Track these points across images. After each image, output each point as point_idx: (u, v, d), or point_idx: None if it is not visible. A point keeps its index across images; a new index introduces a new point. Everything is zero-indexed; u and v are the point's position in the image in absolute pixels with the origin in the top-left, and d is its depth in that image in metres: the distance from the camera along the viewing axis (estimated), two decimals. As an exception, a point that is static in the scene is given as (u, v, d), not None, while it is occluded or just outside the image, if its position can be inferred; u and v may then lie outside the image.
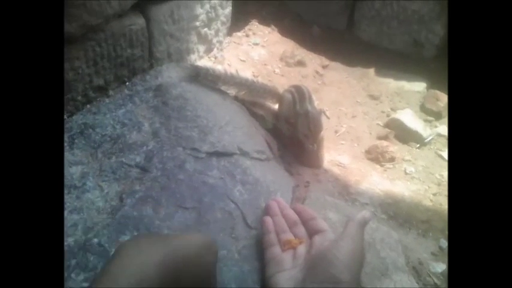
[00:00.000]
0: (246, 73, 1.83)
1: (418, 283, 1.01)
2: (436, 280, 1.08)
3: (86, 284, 0.82)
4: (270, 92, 1.58)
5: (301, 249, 0.90)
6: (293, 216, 0.99)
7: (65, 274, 0.83)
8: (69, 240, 0.89)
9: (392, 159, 1.63)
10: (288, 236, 0.95)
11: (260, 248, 0.96)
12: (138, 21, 1.40)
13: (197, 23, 1.72)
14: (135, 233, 0.93)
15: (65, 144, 1.12)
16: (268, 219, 0.99)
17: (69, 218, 0.93)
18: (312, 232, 0.93)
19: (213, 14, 1.81)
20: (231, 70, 1.53)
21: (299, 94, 1.47)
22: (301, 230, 0.95)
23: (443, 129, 1.82)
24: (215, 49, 1.93)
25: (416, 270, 1.07)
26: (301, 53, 2.17)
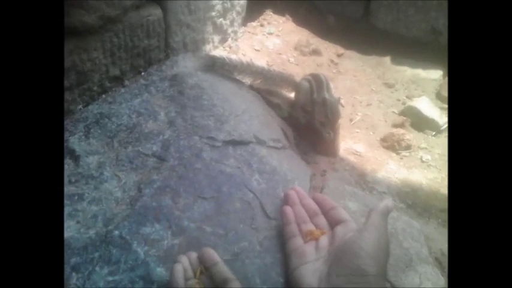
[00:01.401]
0: (261, 62, 1.81)
1: (442, 275, 0.99)
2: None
3: (111, 278, 0.81)
4: (286, 80, 1.56)
5: (324, 240, 0.88)
6: (313, 206, 0.98)
7: (89, 267, 0.82)
8: (90, 233, 0.88)
9: (408, 147, 1.61)
10: (309, 226, 0.93)
11: (281, 239, 0.95)
12: (155, 12, 1.39)
13: (213, 13, 1.71)
14: (156, 224, 0.92)
15: (81, 133, 1.12)
16: (288, 209, 0.97)
17: (89, 209, 0.93)
18: (333, 222, 0.92)
19: (229, 4, 1.80)
20: (247, 59, 1.51)
21: (317, 82, 1.45)
22: (322, 221, 0.94)
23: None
24: (230, 39, 1.92)
25: (440, 262, 1.05)
26: (316, 42, 2.15)
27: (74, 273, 0.81)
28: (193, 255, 0.83)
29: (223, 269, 0.80)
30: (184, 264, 0.81)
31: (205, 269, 0.81)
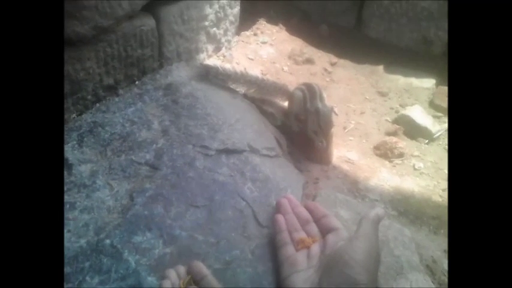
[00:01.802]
0: (255, 71, 1.82)
1: (433, 282, 0.99)
2: (451, 279, 1.07)
3: (101, 287, 0.81)
4: (280, 90, 1.57)
5: (315, 248, 0.88)
6: (305, 214, 0.98)
7: (80, 277, 0.82)
8: (81, 242, 0.88)
9: (401, 155, 1.63)
10: (301, 234, 0.93)
11: (273, 248, 0.95)
12: (149, 22, 1.40)
13: (206, 23, 1.72)
14: (147, 233, 0.92)
15: (74, 142, 1.12)
16: (280, 218, 0.98)
17: (80, 217, 0.93)
18: (324, 230, 0.92)
19: (222, 14, 1.81)
20: (241, 68, 1.52)
21: (310, 92, 1.46)
22: (313, 228, 0.94)
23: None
24: (224, 48, 1.93)
25: (431, 269, 1.05)
26: (310, 51, 2.16)
27: (64, 283, 0.81)
28: (181, 268, 0.83)
29: (213, 283, 0.80)
30: (172, 280, 0.80)
31: (194, 282, 0.80)
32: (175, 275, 0.82)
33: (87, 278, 0.82)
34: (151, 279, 0.84)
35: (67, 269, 0.83)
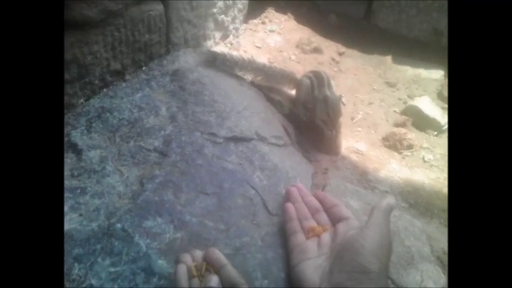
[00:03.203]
0: (262, 59, 1.80)
1: (443, 273, 0.99)
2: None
3: (112, 269, 0.81)
4: (287, 77, 1.56)
5: (326, 237, 0.87)
6: (315, 203, 0.97)
7: (92, 258, 0.82)
8: (93, 225, 0.88)
9: (410, 147, 1.61)
10: (311, 223, 0.92)
11: (283, 235, 0.94)
12: (157, 7, 1.39)
13: (214, 10, 1.70)
14: (158, 218, 0.91)
15: (83, 127, 1.11)
16: (290, 206, 0.97)
17: (91, 202, 0.92)
18: (334, 219, 0.91)
19: (230, 1, 1.80)
20: (248, 56, 1.51)
21: (318, 79, 1.45)
22: (323, 217, 0.93)
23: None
24: (231, 36, 1.91)
25: (441, 260, 1.04)
26: (318, 40, 2.14)
27: (76, 264, 0.81)
28: (197, 253, 0.82)
29: (232, 273, 0.78)
30: (187, 263, 0.80)
31: (213, 270, 0.78)
32: (190, 259, 0.81)
33: (99, 260, 0.82)
34: (161, 262, 0.84)
35: (79, 251, 0.83)
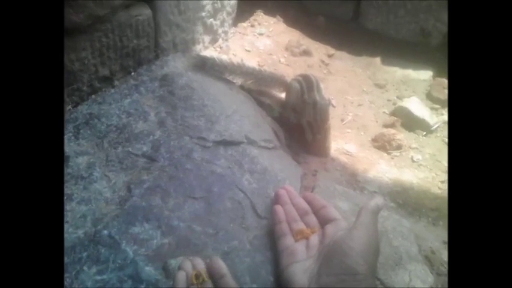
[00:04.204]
0: (251, 63, 1.81)
1: (431, 273, 0.99)
2: (449, 269, 1.07)
3: (99, 277, 0.81)
4: (277, 81, 1.56)
5: (314, 239, 0.88)
6: (303, 204, 0.98)
7: (77, 267, 0.82)
8: (79, 232, 0.87)
9: (399, 147, 1.62)
10: (300, 225, 0.93)
11: (271, 238, 0.94)
12: (145, 12, 1.38)
13: (203, 14, 1.70)
14: (145, 224, 0.91)
15: (70, 134, 1.11)
16: (278, 208, 0.97)
17: (78, 209, 0.92)
18: (323, 221, 0.92)
19: (219, 5, 1.80)
20: (237, 59, 1.51)
21: (307, 83, 1.45)
22: (312, 219, 0.94)
23: (449, 117, 1.80)
24: (220, 39, 1.91)
25: (429, 260, 1.05)
26: (307, 42, 2.15)
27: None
28: (197, 261, 0.82)
29: (230, 284, 0.79)
30: (187, 271, 0.80)
31: (212, 281, 0.79)
32: (190, 266, 0.81)
33: (85, 268, 0.82)
34: (149, 269, 0.83)
35: (64, 259, 0.82)
